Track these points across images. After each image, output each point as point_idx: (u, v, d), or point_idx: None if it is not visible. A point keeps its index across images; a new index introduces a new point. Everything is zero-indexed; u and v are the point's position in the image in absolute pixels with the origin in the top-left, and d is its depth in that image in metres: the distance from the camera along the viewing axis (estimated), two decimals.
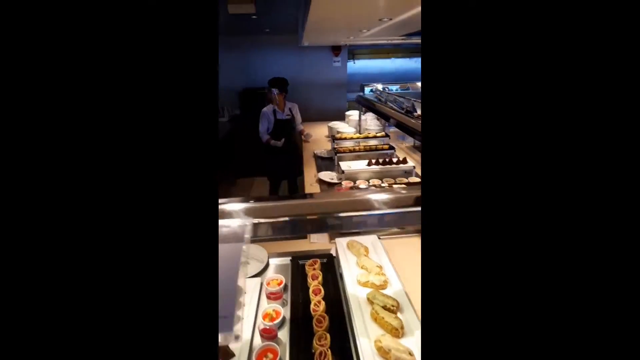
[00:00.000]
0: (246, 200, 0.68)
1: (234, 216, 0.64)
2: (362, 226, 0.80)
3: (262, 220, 0.61)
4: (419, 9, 1.71)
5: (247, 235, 0.54)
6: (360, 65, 5.43)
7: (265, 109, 2.97)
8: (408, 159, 2.32)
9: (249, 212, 0.65)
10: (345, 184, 2.09)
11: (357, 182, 2.14)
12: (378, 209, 0.74)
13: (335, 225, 0.77)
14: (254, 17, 3.24)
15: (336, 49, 5.04)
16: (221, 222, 0.56)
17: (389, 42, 3.84)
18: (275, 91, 2.91)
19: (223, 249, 0.49)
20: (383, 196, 0.75)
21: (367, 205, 0.74)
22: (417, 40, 3.55)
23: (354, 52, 5.29)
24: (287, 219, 0.68)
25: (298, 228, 0.72)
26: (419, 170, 2.22)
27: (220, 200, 0.67)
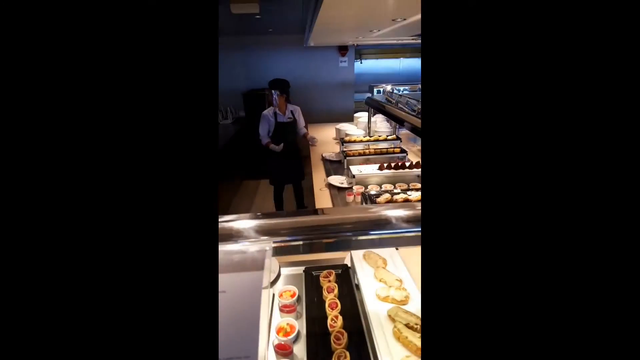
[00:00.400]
0: (257, 217, 0.63)
1: (245, 235, 0.60)
2: (382, 244, 0.75)
3: (279, 244, 0.56)
4: None
5: (268, 260, 0.50)
6: (368, 66, 5.38)
7: (265, 111, 2.89)
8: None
9: (262, 232, 0.60)
10: (356, 189, 2.04)
11: (369, 187, 2.08)
12: (399, 227, 0.70)
13: (355, 245, 0.72)
14: (257, 16, 3.20)
15: (343, 49, 4.98)
16: (237, 246, 0.51)
17: (398, 42, 3.77)
18: (275, 93, 2.81)
19: (242, 279, 0.44)
20: (402, 213, 0.71)
21: (388, 224, 0.69)
22: None
23: (361, 52, 5.23)
24: (303, 242, 0.64)
25: (315, 248, 0.67)
26: None
27: (228, 217, 0.63)
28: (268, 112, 2.88)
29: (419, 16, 1.85)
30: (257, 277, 0.46)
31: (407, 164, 2.26)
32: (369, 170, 2.23)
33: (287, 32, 4.51)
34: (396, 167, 2.22)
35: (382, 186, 2.08)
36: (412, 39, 3.24)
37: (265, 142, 2.88)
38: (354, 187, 2.08)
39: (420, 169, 2.19)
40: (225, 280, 0.46)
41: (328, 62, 5.07)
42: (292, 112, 2.93)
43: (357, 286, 1.09)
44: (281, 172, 3.04)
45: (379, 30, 2.46)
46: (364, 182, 2.15)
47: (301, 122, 3.03)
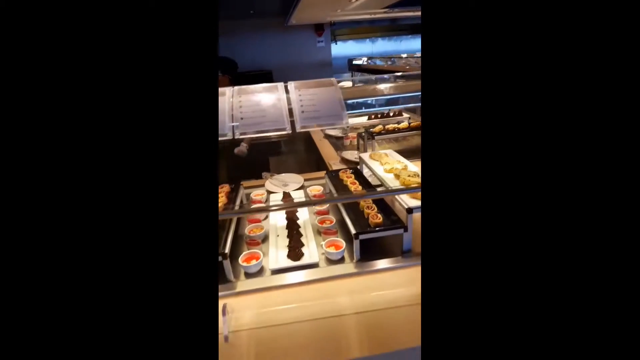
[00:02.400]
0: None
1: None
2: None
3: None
4: None
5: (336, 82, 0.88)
6: (343, 47, 5.76)
7: None
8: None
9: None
10: (351, 135, 2.43)
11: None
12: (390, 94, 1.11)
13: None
14: None
15: (319, 29, 5.32)
16: (319, 80, 0.89)
17: (370, 16, 4.16)
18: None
19: (326, 89, 0.82)
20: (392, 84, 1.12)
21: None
22: (396, 14, 3.89)
23: (335, 32, 5.60)
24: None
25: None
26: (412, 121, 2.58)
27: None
28: None
29: None
30: (335, 88, 0.85)
31: (391, 114, 2.66)
32: (359, 120, 2.61)
33: (267, 14, 4.79)
34: (382, 117, 2.62)
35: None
36: (384, 12, 3.63)
37: None
38: (349, 134, 2.46)
39: (402, 116, 2.60)
40: (317, 91, 0.84)
41: (306, 43, 5.40)
42: None
43: (370, 172, 1.47)
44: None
45: (357, 1, 2.83)
46: (356, 131, 2.53)
47: None
